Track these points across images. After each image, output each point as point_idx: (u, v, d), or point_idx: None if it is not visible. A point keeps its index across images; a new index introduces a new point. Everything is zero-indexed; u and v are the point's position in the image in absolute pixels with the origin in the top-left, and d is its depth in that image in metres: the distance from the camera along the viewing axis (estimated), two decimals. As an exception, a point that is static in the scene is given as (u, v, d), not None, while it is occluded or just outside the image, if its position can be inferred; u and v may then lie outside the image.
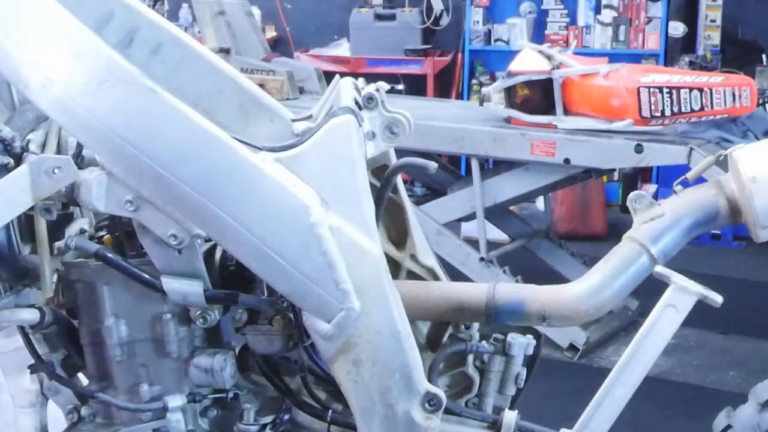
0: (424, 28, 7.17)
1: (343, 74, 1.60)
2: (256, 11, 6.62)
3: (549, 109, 4.02)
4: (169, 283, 1.29)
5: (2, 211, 1.22)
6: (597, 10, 6.93)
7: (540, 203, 5.79)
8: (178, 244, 1.26)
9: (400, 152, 1.45)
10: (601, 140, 3.83)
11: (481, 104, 4.32)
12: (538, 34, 6.95)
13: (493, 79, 6.34)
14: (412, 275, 1.56)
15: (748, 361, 4.01)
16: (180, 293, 1.29)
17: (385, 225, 1.54)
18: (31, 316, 1.38)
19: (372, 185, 1.30)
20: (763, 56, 6.29)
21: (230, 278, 1.37)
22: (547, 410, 1.87)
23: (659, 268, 1.39)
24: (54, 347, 1.52)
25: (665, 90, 3.70)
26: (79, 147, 1.37)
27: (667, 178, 5.89)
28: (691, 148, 3.62)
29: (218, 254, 1.37)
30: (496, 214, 4.57)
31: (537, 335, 1.54)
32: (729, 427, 1.54)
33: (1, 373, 1.66)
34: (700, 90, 3.69)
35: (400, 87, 6.68)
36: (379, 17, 7.19)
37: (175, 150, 1.17)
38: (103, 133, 1.16)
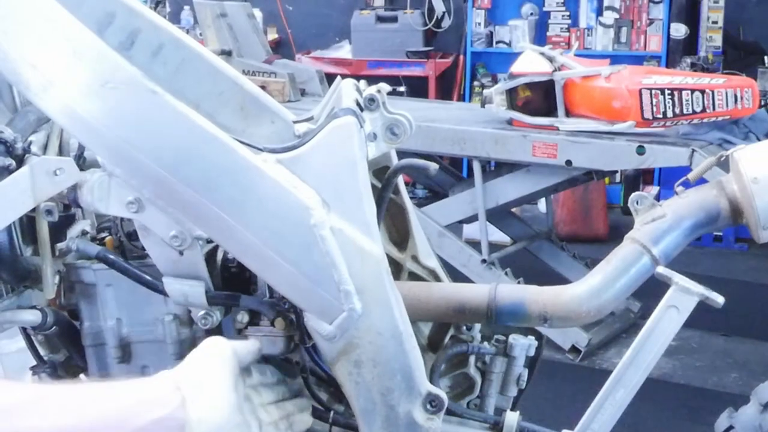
0: (426, 30, 7.17)
1: (344, 76, 1.60)
2: (258, 13, 6.64)
3: (551, 110, 4.03)
4: (170, 285, 1.29)
5: (4, 212, 1.22)
6: (599, 12, 6.93)
7: (542, 205, 5.79)
8: (180, 246, 1.25)
9: (402, 154, 1.45)
10: (602, 142, 3.83)
11: (482, 106, 4.32)
12: (539, 35, 6.95)
13: (495, 81, 6.34)
14: (413, 276, 1.56)
15: (749, 363, 4.01)
16: (182, 294, 1.29)
17: (386, 226, 1.54)
18: (32, 317, 1.38)
19: (373, 186, 1.30)
20: (765, 58, 6.29)
21: (232, 279, 1.37)
22: (548, 411, 1.88)
23: (661, 269, 1.39)
24: (55, 349, 1.52)
25: (667, 92, 3.70)
26: (81, 148, 1.37)
27: (669, 180, 5.89)
28: (693, 150, 3.62)
29: (220, 255, 1.37)
30: (498, 216, 4.57)
31: (539, 336, 1.54)
32: (731, 428, 1.54)
33: (2, 374, 1.66)
34: (702, 92, 3.68)
35: (402, 89, 6.69)
36: (380, 19, 7.19)
37: (176, 151, 1.17)
38: (104, 134, 1.16)
